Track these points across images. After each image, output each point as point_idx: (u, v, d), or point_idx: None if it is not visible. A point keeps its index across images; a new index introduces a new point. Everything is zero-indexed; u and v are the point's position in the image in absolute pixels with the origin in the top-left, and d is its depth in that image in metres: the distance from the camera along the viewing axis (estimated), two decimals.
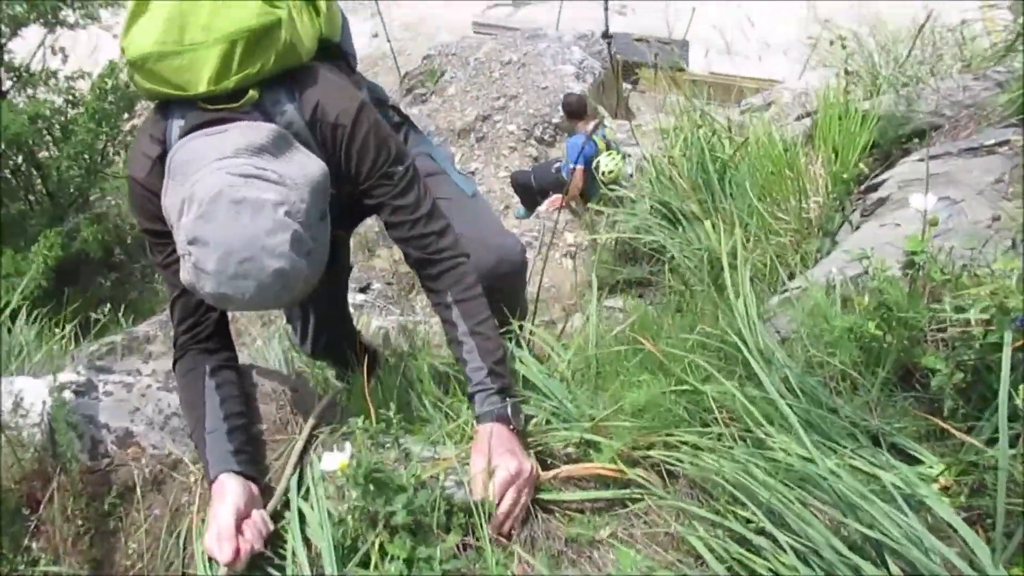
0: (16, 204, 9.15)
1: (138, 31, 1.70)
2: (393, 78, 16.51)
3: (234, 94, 1.70)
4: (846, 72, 3.23)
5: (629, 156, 6.90)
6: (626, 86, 15.12)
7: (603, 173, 6.77)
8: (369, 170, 1.81)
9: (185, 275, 1.50)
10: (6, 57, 8.95)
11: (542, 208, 8.45)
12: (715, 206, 2.72)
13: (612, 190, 6.21)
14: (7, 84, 8.87)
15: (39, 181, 9.37)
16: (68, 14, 8.90)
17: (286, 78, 1.78)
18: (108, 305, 4.65)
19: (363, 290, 7.99)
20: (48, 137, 9.00)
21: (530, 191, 8.42)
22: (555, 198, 8.12)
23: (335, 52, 2.10)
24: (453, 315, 1.85)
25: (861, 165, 2.67)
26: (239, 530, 1.49)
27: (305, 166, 1.63)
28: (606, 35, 4.68)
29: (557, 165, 7.97)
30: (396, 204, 1.85)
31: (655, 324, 1.94)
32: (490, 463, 1.56)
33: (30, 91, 8.88)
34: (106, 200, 9.79)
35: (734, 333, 1.65)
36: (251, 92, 1.72)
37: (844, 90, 2.87)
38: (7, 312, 3.11)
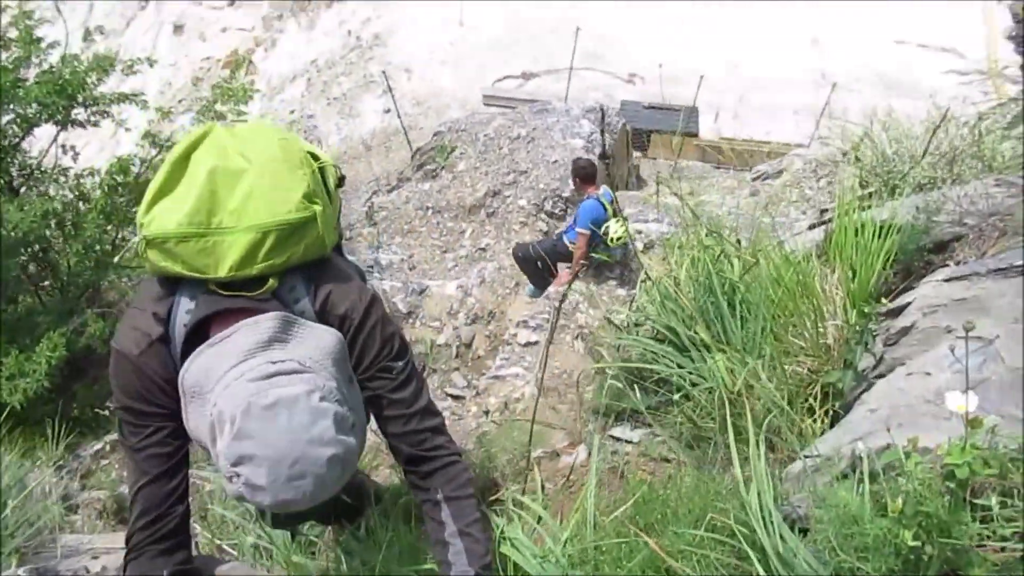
0: (24, 301, 9.12)
1: (162, 211, 1.66)
2: (404, 154, 16.68)
3: (250, 279, 1.67)
4: (860, 185, 3.08)
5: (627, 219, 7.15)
6: (636, 154, 15.14)
7: (611, 239, 7.06)
8: (371, 362, 1.77)
9: (236, 491, 1.42)
10: (20, 157, 9.03)
11: (551, 289, 8.35)
12: (725, 333, 2.54)
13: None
14: (18, 182, 8.92)
15: (50, 277, 9.36)
16: (80, 112, 8.98)
17: (304, 266, 1.77)
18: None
19: None
20: (58, 233, 9.00)
21: (531, 262, 8.35)
22: (563, 274, 8.05)
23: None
24: (442, 514, 1.76)
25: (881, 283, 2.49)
26: None
27: (320, 339, 1.58)
28: (604, 156, 4.64)
29: (559, 231, 7.91)
30: (392, 398, 1.80)
31: (660, 508, 1.74)
32: None
33: (41, 188, 8.92)
34: (114, 292, 9.78)
35: (748, 530, 1.45)
36: (271, 281, 1.69)
37: (860, 205, 2.71)
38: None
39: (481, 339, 9.40)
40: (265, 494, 1.39)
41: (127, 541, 1.69)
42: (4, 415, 7.43)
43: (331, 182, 1.94)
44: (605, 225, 7.14)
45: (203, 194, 1.65)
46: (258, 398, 1.41)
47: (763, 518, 1.47)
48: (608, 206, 7.22)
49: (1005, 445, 1.41)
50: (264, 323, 1.55)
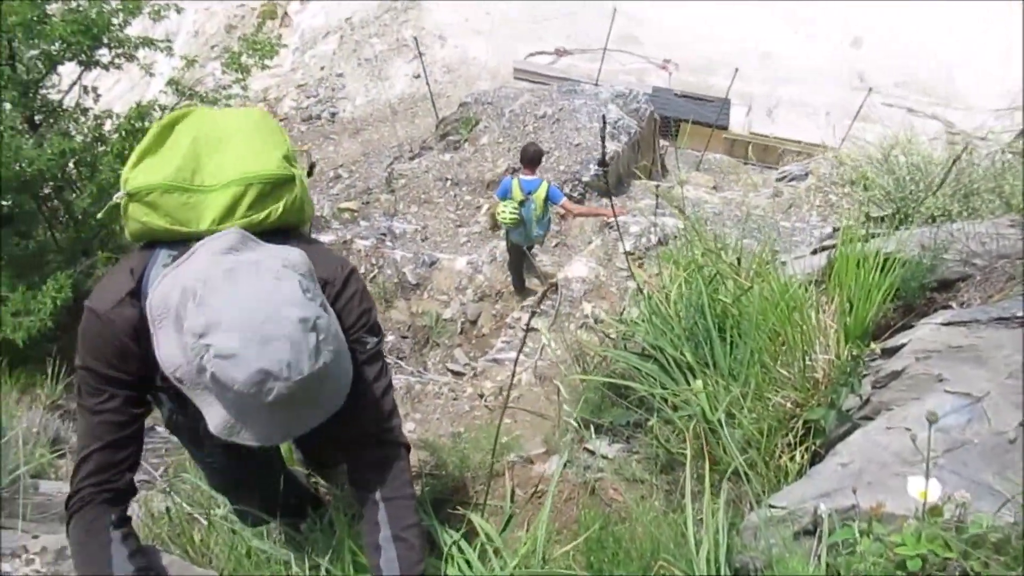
0: (38, 237, 9.16)
1: (145, 168, 1.71)
2: (430, 121, 16.55)
3: None
4: (867, 217, 2.97)
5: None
6: (663, 143, 14.95)
7: (499, 212, 7.75)
8: (346, 329, 1.71)
9: (209, 372, 1.34)
10: (42, 92, 9.03)
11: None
12: (712, 356, 2.46)
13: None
14: (38, 118, 8.92)
15: (64, 215, 9.39)
16: (104, 53, 8.94)
17: (280, 236, 1.75)
18: None
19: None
20: (75, 173, 9.01)
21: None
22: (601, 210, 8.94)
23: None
24: (379, 515, 1.71)
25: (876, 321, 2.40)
26: None
27: (287, 250, 1.55)
28: (603, 163, 4.63)
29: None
30: (359, 371, 1.72)
31: (612, 547, 1.68)
32: None
33: (61, 127, 8.92)
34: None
35: None
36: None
37: (867, 232, 2.61)
38: None
39: (487, 317, 9.37)
40: (239, 364, 1.32)
41: (69, 498, 1.65)
42: (4, 352, 7.52)
43: (303, 166, 1.92)
44: (501, 203, 7.70)
45: (187, 155, 1.71)
46: (219, 267, 1.41)
47: (710, 574, 1.41)
48: (518, 190, 7.56)
49: (971, 522, 1.34)
50: (225, 236, 1.55)
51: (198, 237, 1.65)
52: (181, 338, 1.40)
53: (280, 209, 1.77)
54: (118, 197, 1.70)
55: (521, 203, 7.60)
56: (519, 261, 8.67)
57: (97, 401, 1.64)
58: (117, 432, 1.67)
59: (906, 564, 1.20)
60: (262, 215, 1.74)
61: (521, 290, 8.96)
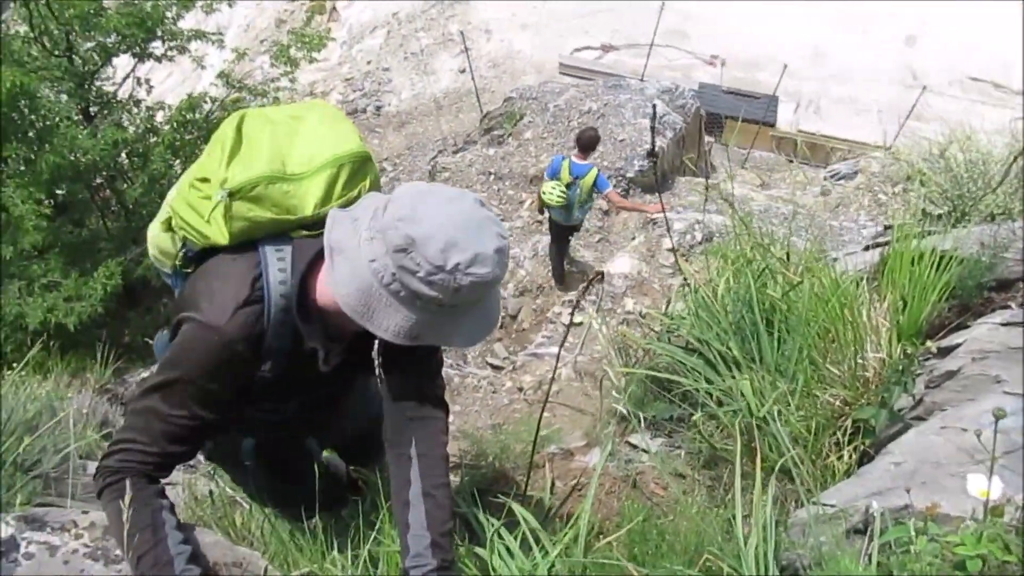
0: (91, 225, 9.38)
1: (239, 165, 1.70)
2: (475, 116, 16.57)
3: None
4: (924, 213, 2.89)
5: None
6: (709, 140, 14.77)
7: (544, 193, 7.81)
8: None
9: (460, 320, 1.49)
10: (97, 84, 9.23)
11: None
12: (760, 352, 2.42)
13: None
14: (93, 110, 9.13)
15: (116, 204, 9.60)
16: (157, 46, 9.12)
17: None
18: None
19: None
20: (127, 163, 9.21)
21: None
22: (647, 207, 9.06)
23: None
24: (411, 471, 1.72)
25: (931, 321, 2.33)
26: None
27: None
28: (652, 153, 4.61)
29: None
30: None
31: (656, 539, 1.66)
32: None
33: (115, 118, 9.12)
34: None
35: None
36: None
37: (923, 230, 2.53)
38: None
39: (528, 312, 9.35)
40: (483, 259, 1.42)
41: (100, 469, 1.61)
42: (57, 336, 7.71)
43: None
44: (548, 182, 7.77)
45: (271, 149, 1.71)
46: (398, 211, 1.45)
47: (757, 571, 1.38)
48: (567, 172, 7.64)
49: None
50: (335, 218, 1.58)
51: (301, 225, 1.71)
52: (419, 290, 1.44)
53: (368, 185, 1.81)
54: (220, 198, 1.66)
55: (568, 185, 7.67)
56: (562, 247, 8.76)
57: (175, 414, 1.60)
58: (179, 446, 1.65)
59: (965, 565, 1.16)
60: (355, 192, 1.77)
61: (561, 280, 8.97)
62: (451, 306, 1.46)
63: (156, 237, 1.97)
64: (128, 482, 1.57)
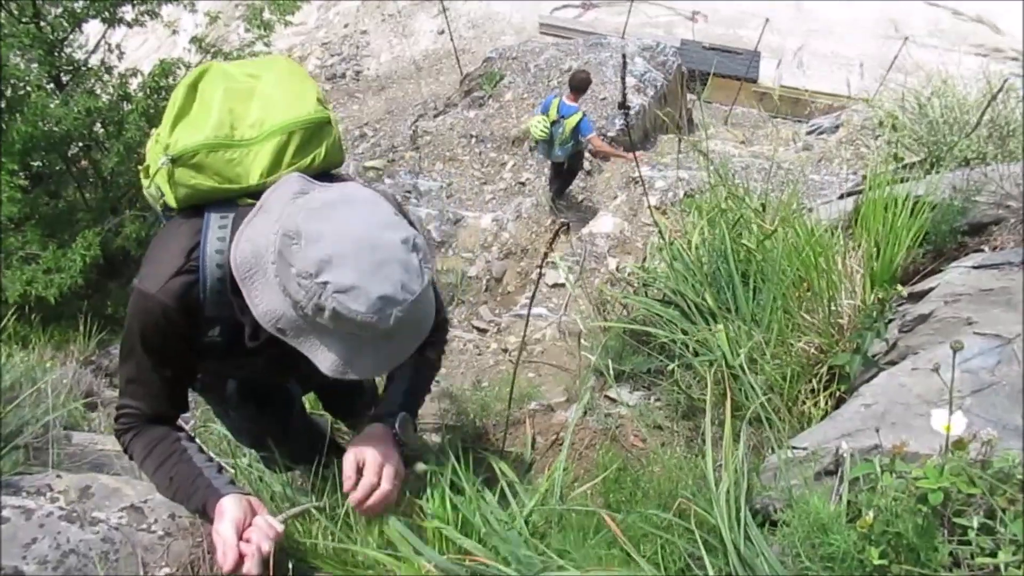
0: (67, 196, 9.26)
1: (184, 129, 1.67)
2: (455, 78, 16.37)
3: None
4: (895, 158, 2.87)
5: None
6: (691, 97, 14.68)
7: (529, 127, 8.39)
8: None
9: (330, 310, 1.32)
10: (67, 51, 9.04)
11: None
12: (735, 302, 2.42)
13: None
14: (65, 78, 8.95)
15: (92, 174, 9.47)
16: (127, 10, 8.93)
17: (326, 178, 1.73)
18: None
19: None
20: (101, 131, 9.06)
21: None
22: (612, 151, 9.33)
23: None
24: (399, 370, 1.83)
25: (905, 265, 2.34)
26: (243, 538, 1.50)
27: (346, 183, 1.61)
28: (623, 105, 4.70)
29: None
30: None
31: (630, 487, 1.67)
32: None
33: (87, 86, 8.95)
34: None
35: (712, 522, 1.38)
36: None
37: (897, 176, 2.53)
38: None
39: (512, 274, 9.34)
40: (359, 295, 1.31)
41: (129, 421, 1.71)
42: (38, 309, 7.63)
43: None
44: (536, 116, 8.26)
45: (221, 111, 1.66)
46: (310, 202, 1.40)
47: (729, 515, 1.40)
48: (554, 110, 8.06)
49: (997, 459, 1.31)
50: (288, 182, 1.52)
51: (246, 193, 1.66)
52: (287, 284, 1.36)
53: (323, 152, 1.75)
54: (162, 163, 1.64)
55: (553, 123, 8.06)
56: (555, 181, 9.27)
57: (144, 375, 1.67)
58: (162, 400, 1.72)
59: (927, 498, 1.17)
60: (307, 160, 1.71)
61: (554, 205, 9.34)
62: (314, 322, 1.36)
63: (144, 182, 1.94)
64: (140, 430, 1.71)
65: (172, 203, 1.69)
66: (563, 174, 8.97)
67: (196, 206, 1.68)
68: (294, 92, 1.74)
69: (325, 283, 1.30)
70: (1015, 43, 16.84)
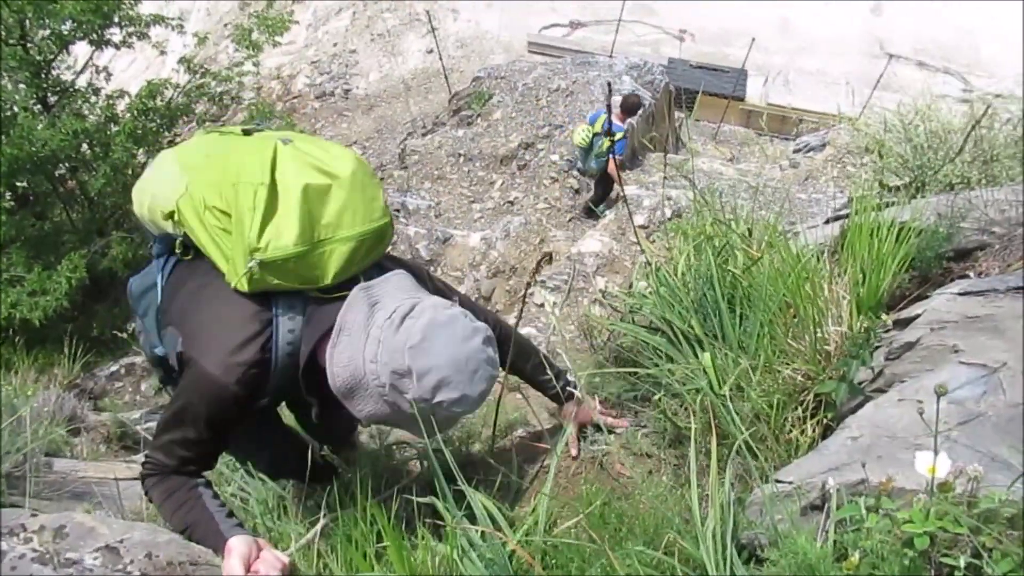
0: (53, 218, 9.21)
1: (273, 231, 1.76)
2: (444, 96, 16.42)
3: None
4: (880, 185, 2.88)
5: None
6: (679, 115, 14.75)
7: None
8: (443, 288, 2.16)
9: (445, 417, 1.68)
10: (54, 73, 9.03)
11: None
12: (722, 329, 2.41)
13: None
14: (52, 100, 8.93)
15: (80, 196, 9.43)
16: (115, 32, 8.92)
17: (373, 270, 1.95)
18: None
19: None
20: (89, 153, 9.03)
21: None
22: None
23: None
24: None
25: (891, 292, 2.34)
26: (250, 571, 1.64)
27: (399, 276, 1.88)
28: (609, 133, 5.23)
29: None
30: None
31: (615, 523, 1.65)
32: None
33: (74, 107, 8.93)
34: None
35: (699, 559, 1.36)
36: (361, 279, 1.86)
37: (883, 201, 2.53)
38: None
39: (501, 293, 9.32)
40: (466, 401, 1.66)
41: (144, 465, 1.86)
42: (23, 332, 7.56)
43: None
44: (582, 125, 9.37)
45: (303, 213, 1.78)
46: (410, 337, 1.61)
47: (715, 551, 1.38)
48: (599, 123, 9.16)
49: (983, 497, 1.29)
50: (358, 300, 1.74)
51: (317, 288, 1.84)
52: (398, 403, 1.65)
53: (383, 251, 1.98)
54: (251, 266, 1.74)
55: (595, 135, 9.17)
56: (595, 189, 10.00)
57: (189, 442, 1.81)
58: (197, 464, 1.88)
59: (913, 542, 1.16)
60: (372, 260, 1.94)
61: (593, 210, 9.78)
62: (414, 416, 1.63)
63: (153, 215, 2.00)
64: (164, 478, 1.85)
65: (243, 288, 1.79)
66: (602, 183, 9.75)
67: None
68: (367, 196, 1.90)
69: (440, 402, 1.62)
70: (996, 66, 17.05)
